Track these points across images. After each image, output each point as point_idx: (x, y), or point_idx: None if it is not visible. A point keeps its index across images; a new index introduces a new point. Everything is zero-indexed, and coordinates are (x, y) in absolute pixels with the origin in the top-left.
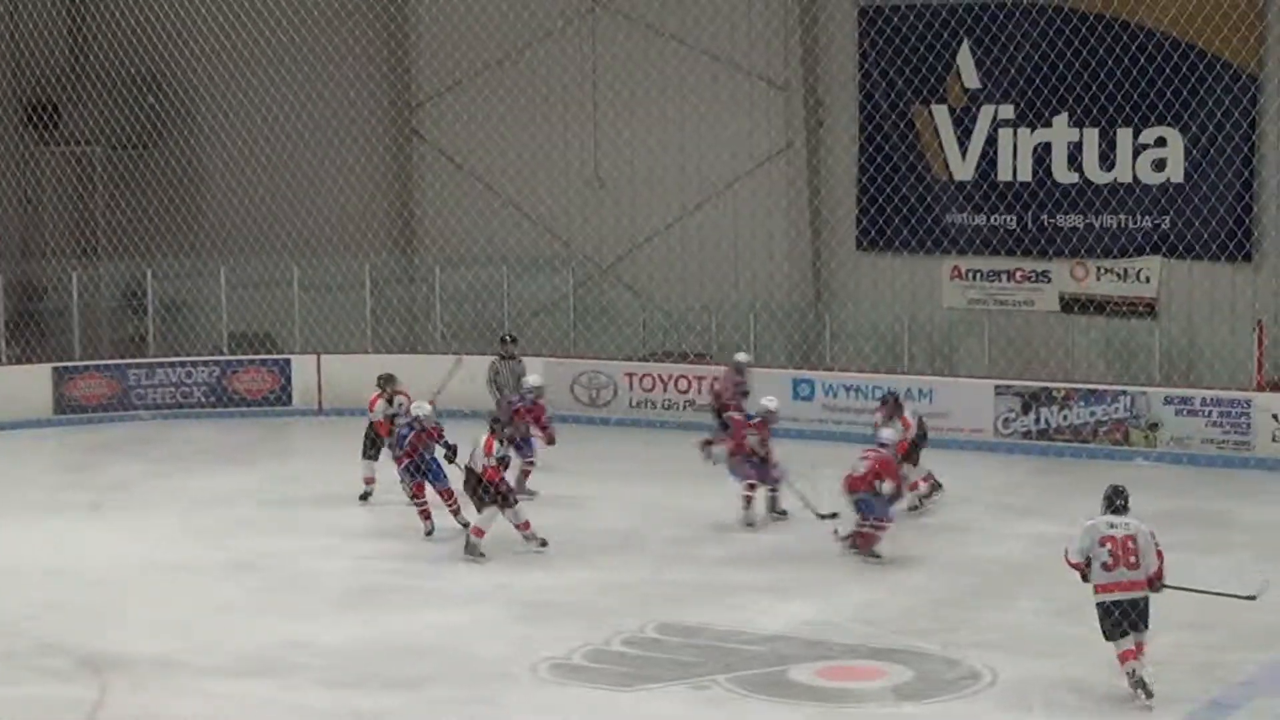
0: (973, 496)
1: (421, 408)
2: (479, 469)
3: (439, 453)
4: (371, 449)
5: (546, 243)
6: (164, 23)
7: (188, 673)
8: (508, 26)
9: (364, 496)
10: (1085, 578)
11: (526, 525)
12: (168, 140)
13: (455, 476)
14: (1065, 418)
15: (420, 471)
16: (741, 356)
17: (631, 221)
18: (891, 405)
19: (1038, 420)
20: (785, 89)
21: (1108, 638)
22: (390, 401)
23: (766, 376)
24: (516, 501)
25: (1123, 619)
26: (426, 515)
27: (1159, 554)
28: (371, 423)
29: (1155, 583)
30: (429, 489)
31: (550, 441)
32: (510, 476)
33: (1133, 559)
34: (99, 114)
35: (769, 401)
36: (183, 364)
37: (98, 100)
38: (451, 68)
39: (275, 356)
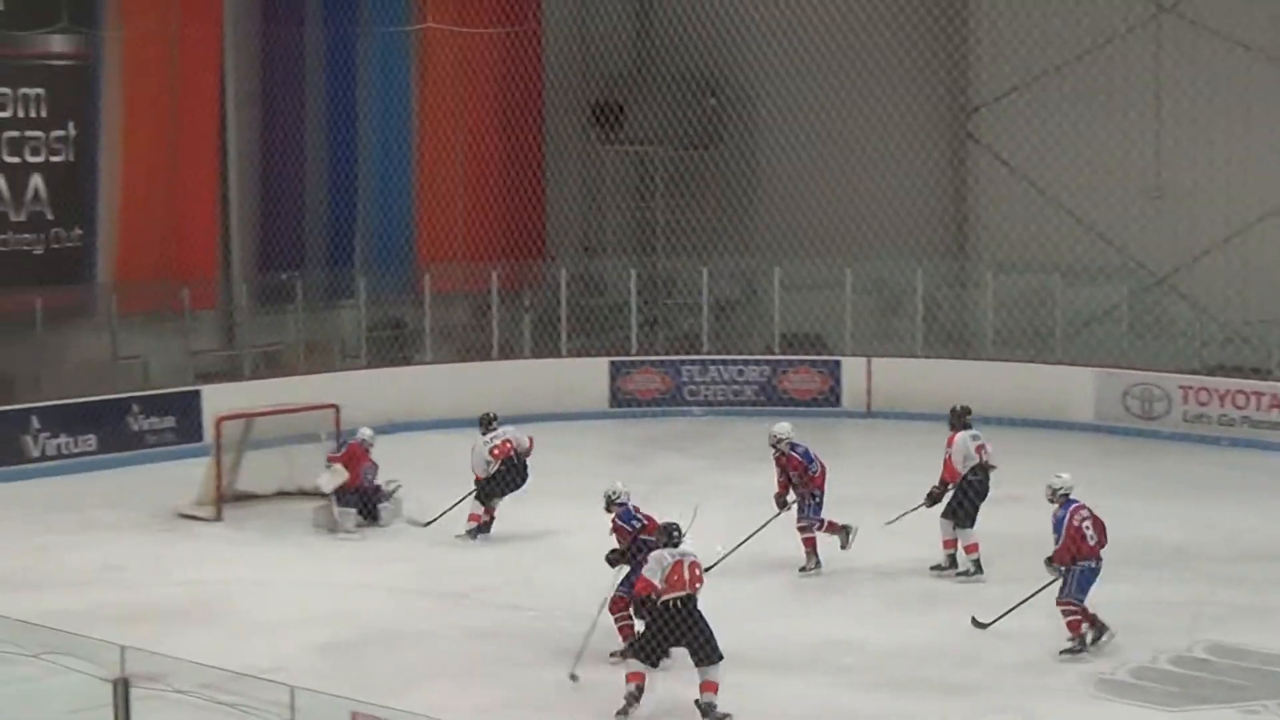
0: None
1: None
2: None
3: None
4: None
5: (1101, 251)
6: (726, 26)
7: (728, 667)
8: (1069, 31)
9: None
10: None
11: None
12: (726, 141)
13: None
14: None
15: None
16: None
17: (1190, 232)
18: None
19: None
20: None
21: None
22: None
23: None
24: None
25: None
26: None
27: None
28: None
29: None
30: None
31: None
32: None
33: None
34: (661, 115)
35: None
36: (734, 362)
37: (660, 102)
38: (1010, 72)
39: (826, 358)
